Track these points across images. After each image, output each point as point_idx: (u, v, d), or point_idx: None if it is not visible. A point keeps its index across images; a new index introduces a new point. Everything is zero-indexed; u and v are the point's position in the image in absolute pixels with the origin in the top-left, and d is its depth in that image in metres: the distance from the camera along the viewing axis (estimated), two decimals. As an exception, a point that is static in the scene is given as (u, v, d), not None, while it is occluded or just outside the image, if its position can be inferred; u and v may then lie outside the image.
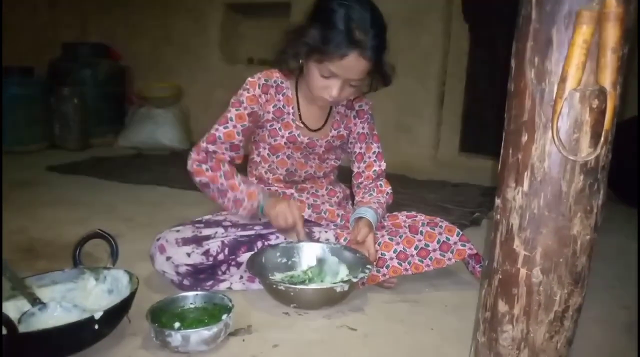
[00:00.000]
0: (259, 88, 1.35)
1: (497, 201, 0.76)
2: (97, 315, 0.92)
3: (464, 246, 1.34)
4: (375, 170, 1.47)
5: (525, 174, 0.70)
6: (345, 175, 1.58)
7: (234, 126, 1.33)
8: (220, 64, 3.87)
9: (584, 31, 0.61)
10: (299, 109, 1.39)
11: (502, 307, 0.76)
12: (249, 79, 1.37)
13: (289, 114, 1.39)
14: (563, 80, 0.64)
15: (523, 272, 0.73)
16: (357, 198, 1.46)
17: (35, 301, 1.01)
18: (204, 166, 1.30)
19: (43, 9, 3.82)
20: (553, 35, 0.65)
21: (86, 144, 3.51)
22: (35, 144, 3.32)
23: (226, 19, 3.87)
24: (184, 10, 3.91)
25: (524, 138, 0.70)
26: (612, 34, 0.61)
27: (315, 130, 1.42)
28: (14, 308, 1.00)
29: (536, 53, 0.67)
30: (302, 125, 1.39)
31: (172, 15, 3.95)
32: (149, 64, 4.04)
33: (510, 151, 0.73)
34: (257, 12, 3.84)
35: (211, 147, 1.32)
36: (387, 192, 1.46)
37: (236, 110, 1.33)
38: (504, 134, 0.75)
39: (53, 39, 3.73)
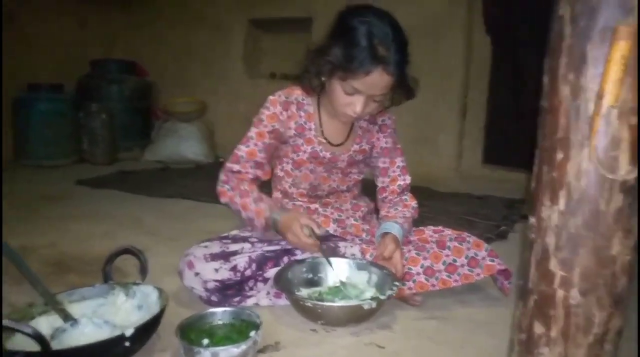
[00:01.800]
0: (279, 105, 1.37)
1: (532, 220, 0.75)
2: (128, 332, 0.92)
3: (493, 261, 1.32)
4: (399, 184, 1.46)
5: (561, 192, 0.69)
6: (369, 189, 1.57)
7: (255, 144, 1.35)
8: (243, 78, 3.92)
9: (622, 47, 0.60)
10: (320, 124, 1.40)
11: (539, 328, 0.74)
12: (270, 97, 1.39)
13: (310, 129, 1.39)
14: (600, 96, 0.62)
15: (560, 293, 0.71)
16: (382, 212, 1.45)
17: (66, 317, 1.03)
18: (226, 187, 1.35)
19: (72, 28, 3.93)
20: (588, 51, 0.64)
21: (113, 158, 3.58)
22: (64, 159, 3.39)
23: (249, 35, 3.92)
24: (208, 27, 3.97)
25: (559, 155, 0.68)
26: (651, 49, 0.59)
27: (337, 145, 1.42)
28: (46, 324, 1.02)
29: (571, 69, 0.66)
30: (324, 141, 1.40)
31: (196, 32, 4.02)
32: (173, 79, 4.11)
33: (545, 169, 0.71)
34: (279, 28, 3.88)
35: (235, 167, 1.35)
36: (413, 207, 1.44)
37: (257, 128, 1.36)
38: (537, 151, 0.74)
39: (81, 57, 3.82)
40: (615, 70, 0.61)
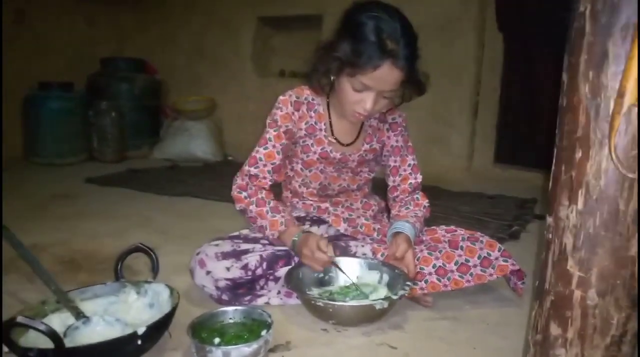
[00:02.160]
0: (291, 105, 1.36)
1: (549, 219, 0.73)
2: (140, 330, 0.92)
3: (506, 261, 1.30)
4: (411, 183, 1.44)
5: (580, 191, 0.68)
6: (379, 187, 1.56)
7: (274, 146, 1.34)
8: (253, 76, 3.92)
9: (644, 44, 0.59)
10: (330, 124, 1.39)
11: (555, 330, 0.73)
12: (281, 97, 1.37)
13: (321, 130, 1.38)
14: (621, 95, 0.61)
15: (577, 294, 0.70)
16: (393, 211, 1.44)
17: (79, 314, 1.03)
18: (243, 194, 1.33)
19: (82, 26, 3.95)
20: (609, 49, 0.63)
21: (123, 156, 3.59)
22: (74, 157, 3.41)
23: (258, 33, 3.92)
24: (218, 25, 3.98)
25: (578, 154, 0.67)
26: (674, 46, 0.58)
27: (347, 145, 1.41)
28: (58, 321, 1.02)
29: (591, 67, 0.65)
30: (334, 141, 1.39)
31: (206, 30, 4.03)
32: (183, 77, 4.12)
33: (563, 168, 0.70)
34: (289, 25, 3.87)
35: (253, 170, 1.34)
36: (424, 206, 1.43)
37: (274, 130, 1.34)
38: (555, 150, 0.72)
39: (91, 55, 3.84)
40: (636, 67, 0.60)
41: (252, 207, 1.31)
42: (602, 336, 0.70)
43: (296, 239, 1.26)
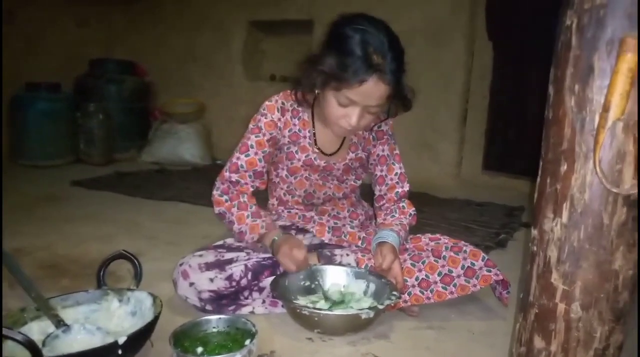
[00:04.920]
0: (277, 111, 1.34)
1: (534, 232, 0.73)
2: (121, 340, 0.91)
3: (490, 271, 1.30)
4: (397, 191, 1.43)
5: (565, 205, 0.67)
6: (368, 194, 1.56)
7: (256, 153, 1.32)
8: (243, 80, 3.90)
9: (629, 59, 0.59)
10: (314, 134, 1.38)
11: (539, 342, 0.73)
12: (267, 102, 1.36)
13: (305, 137, 1.37)
14: (606, 109, 0.61)
15: (561, 307, 0.70)
16: (378, 219, 1.43)
17: (59, 322, 1.01)
18: (224, 197, 1.32)
19: (71, 27, 3.91)
20: (595, 63, 0.63)
21: (110, 159, 3.55)
22: (61, 159, 3.37)
23: (249, 36, 3.91)
24: (208, 28, 3.96)
25: (563, 168, 0.67)
26: (658, 62, 0.58)
27: (331, 154, 1.40)
28: (38, 329, 1.00)
29: (576, 80, 0.65)
30: (317, 150, 1.38)
31: (196, 33, 4.01)
32: (172, 80, 4.10)
33: (548, 180, 0.70)
34: (280, 30, 3.87)
35: (234, 177, 1.32)
36: (410, 214, 1.42)
37: (256, 136, 1.33)
38: (540, 163, 0.72)
39: (80, 56, 3.80)
40: (621, 82, 0.60)
41: (234, 210, 1.29)
42: (586, 349, 0.70)
43: (276, 238, 1.25)
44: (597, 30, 0.62)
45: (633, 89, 0.60)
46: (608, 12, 0.61)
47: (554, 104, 0.68)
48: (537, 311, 0.73)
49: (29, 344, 0.82)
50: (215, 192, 1.33)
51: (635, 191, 0.63)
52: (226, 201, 1.31)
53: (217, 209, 1.32)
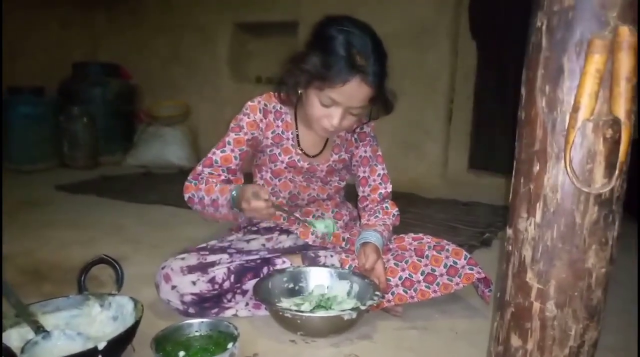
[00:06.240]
0: (260, 112, 1.34)
1: (509, 231, 0.74)
2: (101, 346, 0.90)
3: (472, 269, 1.31)
4: (381, 192, 1.44)
5: (538, 204, 0.68)
6: (353, 195, 1.56)
7: (232, 150, 1.31)
8: (229, 82, 3.89)
9: (597, 60, 0.60)
10: (297, 135, 1.38)
11: (515, 341, 0.74)
12: (249, 103, 1.36)
13: (288, 139, 1.37)
14: (575, 109, 0.62)
15: (537, 305, 0.71)
16: (362, 220, 1.44)
17: (39, 329, 1.00)
18: (193, 182, 1.30)
19: (54, 30, 3.88)
20: (564, 64, 0.64)
21: (95, 163, 3.53)
22: (45, 163, 3.34)
23: (235, 38, 3.90)
24: (193, 30, 3.94)
25: (536, 168, 0.68)
26: (625, 63, 0.59)
27: (314, 156, 1.40)
28: (17, 336, 0.99)
29: (547, 81, 0.66)
30: (300, 152, 1.38)
31: (181, 35, 3.99)
32: (158, 82, 4.07)
33: (522, 181, 0.71)
34: (265, 31, 3.86)
35: (207, 170, 1.31)
36: (394, 214, 1.43)
37: (235, 134, 1.32)
38: (514, 163, 0.73)
39: (64, 59, 3.77)
40: (590, 83, 0.61)
41: (202, 186, 1.26)
42: (561, 347, 0.71)
43: (235, 194, 1.19)
44: (566, 32, 0.63)
45: (602, 90, 0.61)
46: (576, 14, 0.62)
47: (526, 104, 0.69)
48: (513, 310, 0.74)
49: (6, 351, 0.81)
50: (185, 183, 1.31)
51: (606, 189, 0.64)
52: (195, 184, 1.29)
53: (186, 195, 1.30)
